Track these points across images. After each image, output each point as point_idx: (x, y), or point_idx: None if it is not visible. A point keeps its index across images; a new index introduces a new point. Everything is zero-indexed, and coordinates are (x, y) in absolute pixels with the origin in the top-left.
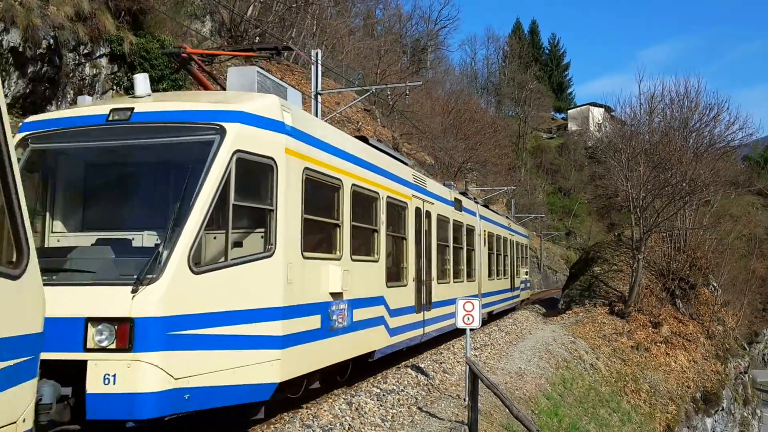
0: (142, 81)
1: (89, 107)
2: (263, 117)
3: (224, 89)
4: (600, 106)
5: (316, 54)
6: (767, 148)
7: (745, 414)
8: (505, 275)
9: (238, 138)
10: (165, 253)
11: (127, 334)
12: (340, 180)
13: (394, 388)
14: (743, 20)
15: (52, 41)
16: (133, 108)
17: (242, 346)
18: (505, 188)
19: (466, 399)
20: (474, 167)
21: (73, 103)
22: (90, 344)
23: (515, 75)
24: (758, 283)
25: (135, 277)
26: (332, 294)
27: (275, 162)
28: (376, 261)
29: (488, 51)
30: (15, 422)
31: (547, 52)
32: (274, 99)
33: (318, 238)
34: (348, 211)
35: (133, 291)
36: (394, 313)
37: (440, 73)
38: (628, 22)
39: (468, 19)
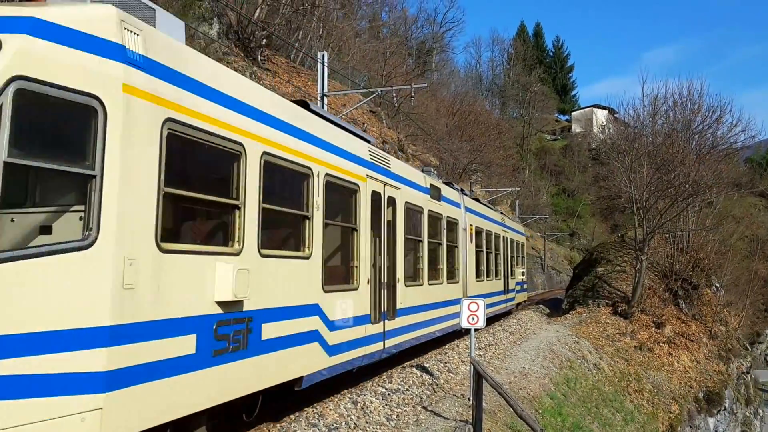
0: None
1: None
2: (81, 33)
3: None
4: (603, 108)
5: (323, 56)
6: None
7: (748, 414)
8: (497, 276)
9: (20, 57)
10: None
11: None
12: (240, 144)
13: (399, 387)
14: (746, 23)
15: None
16: None
17: (34, 392)
18: (510, 189)
19: (471, 398)
20: (479, 168)
21: None
22: None
23: (519, 77)
24: (760, 284)
25: None
26: (221, 303)
27: (103, 103)
28: (306, 258)
29: (493, 53)
30: None
31: (551, 54)
32: (109, 10)
33: (197, 224)
34: (255, 189)
35: None
36: (335, 325)
37: (445, 75)
38: (631, 24)
39: (473, 22)
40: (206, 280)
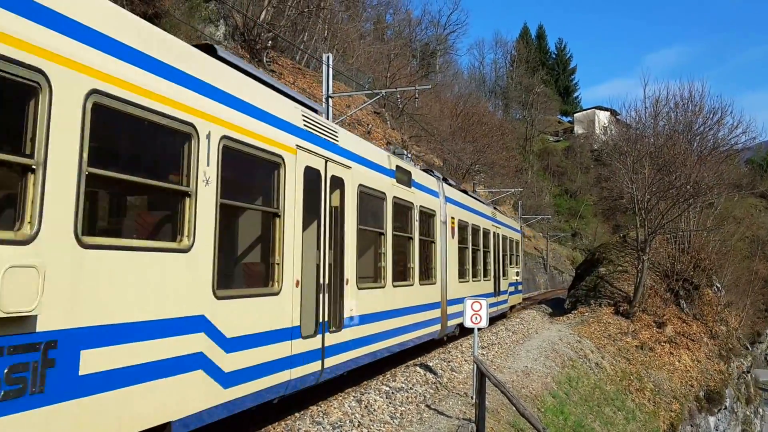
0: None
1: None
2: None
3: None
4: (606, 109)
5: (328, 58)
6: None
7: (748, 413)
8: (485, 276)
9: None
10: None
11: None
12: (41, 72)
13: (403, 386)
14: (749, 26)
15: None
16: None
17: None
18: (513, 190)
19: (474, 397)
20: (482, 169)
21: None
22: None
23: (522, 79)
24: (761, 284)
25: None
26: None
27: None
28: (183, 250)
29: (496, 55)
30: None
31: (554, 56)
32: None
33: None
34: (68, 144)
35: None
36: (235, 344)
37: (449, 76)
38: (634, 27)
39: (476, 24)
40: None
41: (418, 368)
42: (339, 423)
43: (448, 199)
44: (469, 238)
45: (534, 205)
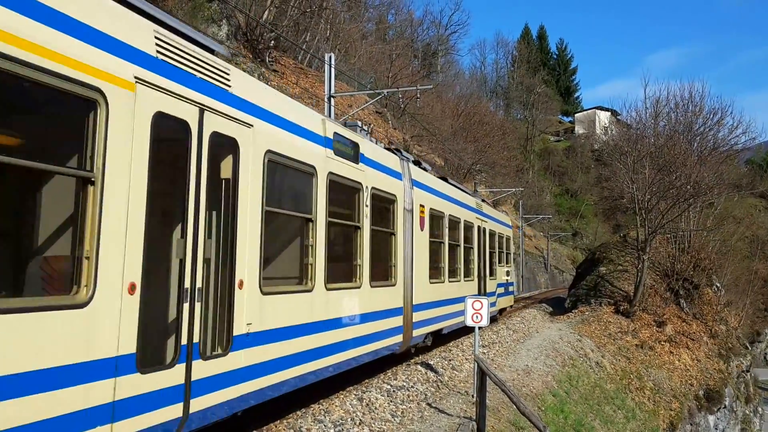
0: None
1: None
2: None
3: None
4: (606, 109)
5: (330, 58)
6: None
7: (747, 412)
8: (467, 276)
9: None
10: None
11: None
12: None
13: (404, 384)
14: (749, 27)
15: None
16: None
17: None
18: (514, 190)
19: (475, 395)
20: (483, 169)
21: None
22: None
23: (524, 79)
24: (760, 284)
25: None
26: None
27: None
28: None
29: (497, 55)
30: None
31: (555, 56)
32: None
33: None
34: None
35: None
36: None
37: (450, 76)
38: (634, 27)
39: (478, 24)
40: None
41: (419, 367)
42: (341, 421)
43: (416, 184)
44: (445, 231)
45: (535, 205)
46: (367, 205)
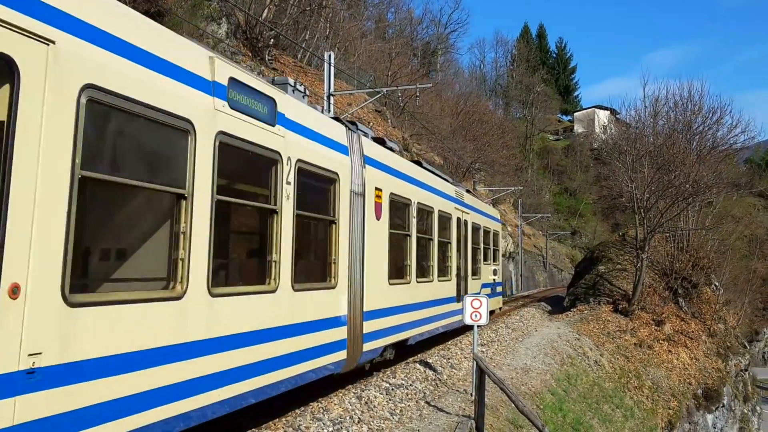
0: None
1: None
2: None
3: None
4: (605, 108)
5: (329, 56)
6: None
7: (745, 411)
8: (443, 275)
9: None
10: None
11: None
12: None
13: (403, 382)
14: (748, 26)
15: None
16: None
17: None
18: (513, 188)
19: (473, 394)
20: (482, 168)
21: None
22: None
23: (523, 78)
24: (759, 283)
25: None
26: None
27: None
28: None
29: (497, 54)
30: None
31: (554, 55)
32: None
33: None
34: None
35: None
36: None
37: (450, 75)
38: (634, 26)
39: (477, 23)
40: None
41: (417, 365)
42: (339, 419)
43: (371, 162)
44: (413, 221)
45: (534, 204)
46: (289, 183)
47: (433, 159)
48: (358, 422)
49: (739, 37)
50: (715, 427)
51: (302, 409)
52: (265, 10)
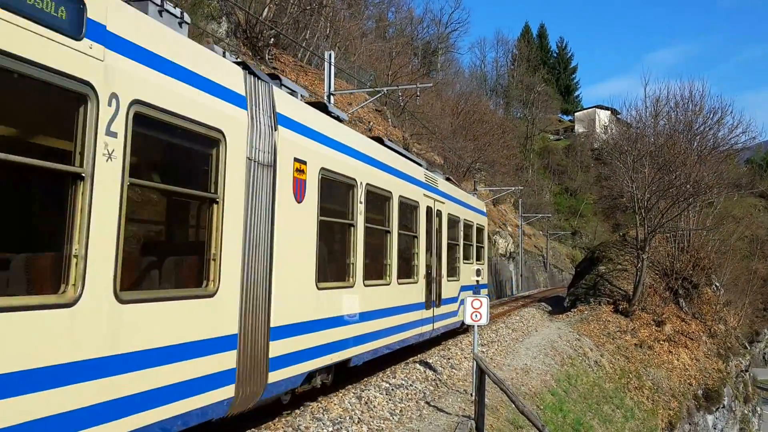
0: None
1: None
2: None
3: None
4: (606, 108)
5: (329, 55)
6: None
7: (746, 411)
8: (406, 277)
9: None
10: None
11: None
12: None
13: (403, 383)
14: (749, 26)
15: None
16: None
17: None
18: (513, 188)
19: (473, 394)
20: (482, 167)
21: None
22: None
23: (523, 78)
24: (759, 284)
25: None
26: None
27: None
28: None
29: (497, 54)
30: None
31: (555, 55)
32: None
33: None
34: None
35: None
36: None
37: (450, 75)
38: (635, 26)
39: (478, 23)
40: None
41: (417, 365)
42: (339, 419)
43: (286, 122)
44: (358, 207)
45: (534, 204)
46: (115, 135)
47: (433, 158)
48: (358, 422)
49: (740, 37)
50: (715, 428)
51: (302, 409)
52: (266, 9)
